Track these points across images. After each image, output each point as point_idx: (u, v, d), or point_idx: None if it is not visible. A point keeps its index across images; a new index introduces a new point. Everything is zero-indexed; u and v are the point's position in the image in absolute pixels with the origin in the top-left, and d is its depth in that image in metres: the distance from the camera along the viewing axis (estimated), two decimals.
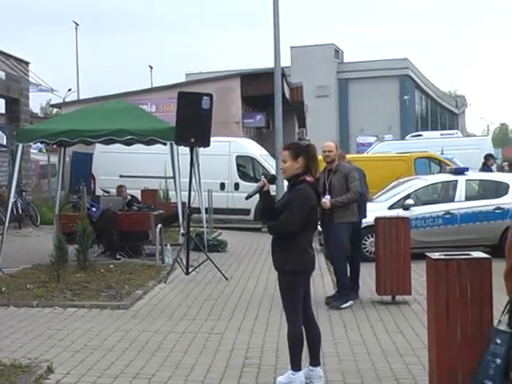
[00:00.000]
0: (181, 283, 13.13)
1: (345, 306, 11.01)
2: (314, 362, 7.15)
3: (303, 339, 7.01)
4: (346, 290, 11.32)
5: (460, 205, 16.36)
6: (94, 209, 16.75)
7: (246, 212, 23.49)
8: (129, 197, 18.09)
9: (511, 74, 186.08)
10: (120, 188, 18.18)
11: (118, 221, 15.83)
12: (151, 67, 78.53)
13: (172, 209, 17.52)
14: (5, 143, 25.94)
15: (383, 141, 40.60)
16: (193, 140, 14.11)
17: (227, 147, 24.06)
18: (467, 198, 16.56)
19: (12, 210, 17.49)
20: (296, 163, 6.90)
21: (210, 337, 9.16)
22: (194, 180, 15.18)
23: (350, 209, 11.27)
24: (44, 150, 33.36)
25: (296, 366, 6.95)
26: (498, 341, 5.34)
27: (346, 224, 11.22)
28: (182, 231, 15.22)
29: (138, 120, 15.60)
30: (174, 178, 15.57)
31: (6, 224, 14.99)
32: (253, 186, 24.96)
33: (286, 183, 7.37)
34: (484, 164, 22.62)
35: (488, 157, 22.87)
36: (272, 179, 7.26)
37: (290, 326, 6.96)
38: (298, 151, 6.96)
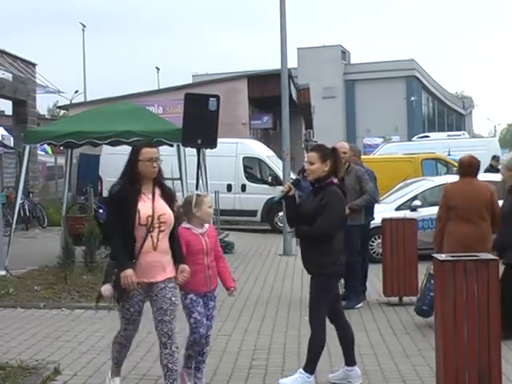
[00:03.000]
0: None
1: (358, 306, 11.04)
2: (351, 361, 7.19)
3: (325, 344, 7.04)
4: (357, 291, 11.33)
5: None
6: (101, 210, 16.75)
7: (253, 213, 23.49)
8: None
9: None
10: None
11: None
12: (158, 69, 78.68)
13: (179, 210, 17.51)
14: (12, 145, 26.01)
15: (390, 142, 40.59)
16: (200, 141, 14.12)
17: (234, 148, 24.07)
18: None
19: (19, 212, 17.55)
20: (324, 166, 6.95)
21: (217, 338, 9.16)
22: (200, 181, 15.19)
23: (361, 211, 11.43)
24: (49, 151, 33.44)
25: (312, 370, 6.98)
26: (432, 281, 7.82)
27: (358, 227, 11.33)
28: None
29: (145, 122, 15.60)
30: (180, 179, 15.58)
31: (13, 225, 15.01)
32: (260, 187, 24.91)
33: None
34: (490, 165, 22.54)
35: (492, 158, 22.80)
36: (296, 183, 7.34)
37: (317, 330, 6.95)
38: (326, 154, 7.01)
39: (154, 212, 6.35)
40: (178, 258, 6.55)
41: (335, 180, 6.97)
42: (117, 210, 6.35)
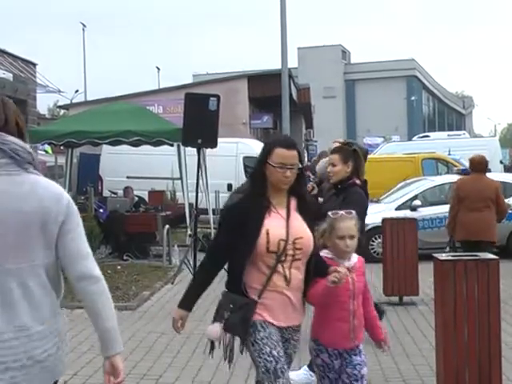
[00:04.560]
0: (188, 284, 13.12)
1: None
2: None
3: None
4: None
5: None
6: (101, 210, 16.77)
7: None
8: (136, 198, 18.10)
9: None
10: (126, 189, 18.22)
11: (125, 222, 15.84)
12: (158, 68, 78.64)
13: (179, 210, 17.52)
14: None
15: (390, 142, 40.55)
16: (200, 141, 14.11)
17: (234, 148, 24.05)
18: None
19: None
20: (346, 167, 7.01)
21: None
22: (201, 181, 15.18)
23: None
24: (49, 150, 33.43)
25: None
26: None
27: None
28: (189, 232, 15.23)
29: (145, 121, 15.61)
30: (181, 179, 15.60)
31: None
32: None
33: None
34: None
35: None
36: (319, 183, 7.42)
37: None
38: (347, 155, 7.07)
39: (288, 234, 4.62)
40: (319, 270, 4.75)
41: (357, 181, 7.03)
42: (234, 229, 4.61)
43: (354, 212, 5.10)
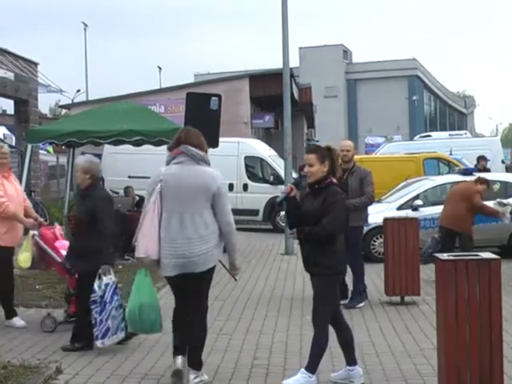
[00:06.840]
0: None
1: (360, 305, 11.02)
2: (352, 361, 7.22)
3: (328, 344, 7.04)
4: (359, 291, 11.33)
5: None
6: None
7: (255, 213, 23.51)
8: (137, 198, 18.07)
9: None
10: (127, 189, 18.16)
11: (126, 221, 15.81)
12: (160, 68, 78.53)
13: None
14: (14, 144, 26.01)
15: (392, 141, 40.52)
16: None
17: (236, 148, 24.06)
18: None
19: None
20: (323, 166, 7.01)
21: (219, 337, 9.16)
22: None
23: (364, 212, 11.29)
24: (50, 150, 33.43)
25: (314, 369, 6.97)
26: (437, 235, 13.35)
27: (360, 228, 11.36)
28: None
29: (147, 121, 15.58)
30: None
31: None
32: (261, 186, 24.84)
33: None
34: (475, 166, 22.12)
35: (479, 159, 22.53)
36: (297, 183, 7.44)
37: (321, 330, 6.95)
38: (323, 154, 7.07)
39: None
40: None
41: (334, 180, 7.03)
42: None
43: None
